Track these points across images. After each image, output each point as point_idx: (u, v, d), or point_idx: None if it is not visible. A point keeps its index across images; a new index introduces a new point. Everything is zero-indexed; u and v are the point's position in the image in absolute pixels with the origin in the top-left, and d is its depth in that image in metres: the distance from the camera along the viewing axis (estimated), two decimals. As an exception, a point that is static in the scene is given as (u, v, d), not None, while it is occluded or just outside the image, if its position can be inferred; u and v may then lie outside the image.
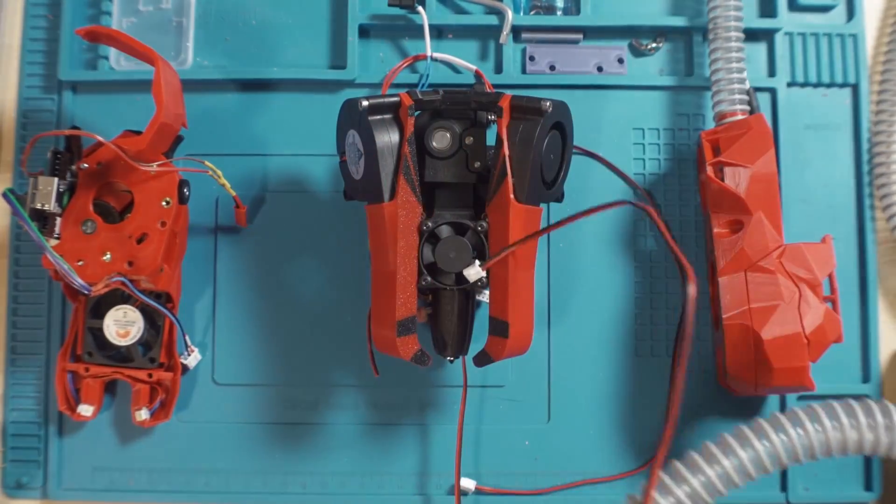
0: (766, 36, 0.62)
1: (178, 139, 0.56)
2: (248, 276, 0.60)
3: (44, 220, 0.53)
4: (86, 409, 0.56)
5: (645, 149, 0.61)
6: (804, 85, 0.61)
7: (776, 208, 0.53)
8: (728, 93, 0.56)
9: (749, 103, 0.56)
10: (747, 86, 0.56)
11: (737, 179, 0.53)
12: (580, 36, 0.61)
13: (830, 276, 0.53)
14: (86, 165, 0.54)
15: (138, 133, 0.54)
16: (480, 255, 0.49)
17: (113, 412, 0.59)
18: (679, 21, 0.61)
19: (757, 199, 0.53)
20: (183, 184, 0.55)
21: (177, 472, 0.59)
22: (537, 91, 0.59)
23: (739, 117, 0.55)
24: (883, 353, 0.60)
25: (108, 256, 0.53)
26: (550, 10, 0.62)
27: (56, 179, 0.53)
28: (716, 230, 0.53)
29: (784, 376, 0.50)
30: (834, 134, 0.61)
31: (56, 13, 0.61)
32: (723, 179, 0.53)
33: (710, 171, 0.53)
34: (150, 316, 0.56)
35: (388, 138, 0.48)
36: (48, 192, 0.52)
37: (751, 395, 0.53)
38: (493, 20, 0.61)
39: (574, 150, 0.58)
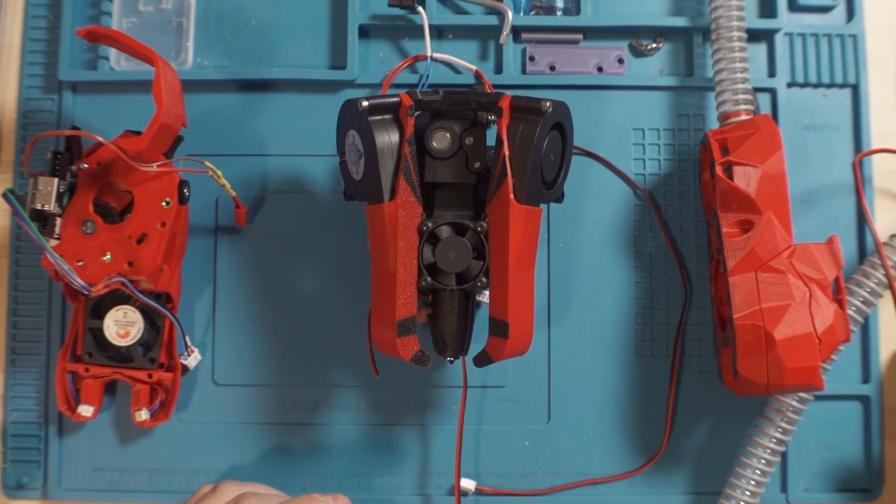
0: (766, 36, 0.62)
1: (178, 139, 0.56)
2: (248, 276, 0.60)
3: (44, 220, 0.53)
4: (86, 410, 0.56)
5: (645, 149, 0.61)
6: (804, 85, 0.61)
7: (785, 208, 0.53)
8: (732, 93, 0.56)
9: (752, 103, 0.56)
10: (750, 86, 0.56)
11: (747, 179, 0.53)
12: (580, 36, 0.61)
13: (838, 277, 0.53)
14: (86, 166, 0.54)
15: (138, 133, 0.54)
16: (480, 255, 0.49)
17: (113, 412, 0.59)
18: (679, 21, 0.61)
19: (767, 198, 0.53)
20: (183, 184, 0.55)
21: (177, 472, 0.59)
22: (537, 91, 0.59)
23: (744, 117, 0.55)
24: (883, 353, 0.60)
25: (108, 257, 0.53)
26: (550, 10, 0.61)
27: (56, 180, 0.53)
28: (725, 230, 0.53)
29: (796, 376, 0.50)
30: (834, 134, 0.61)
31: (56, 13, 0.61)
32: (732, 179, 0.53)
33: (718, 170, 0.53)
34: (150, 316, 0.56)
35: (388, 138, 0.48)
36: (48, 192, 0.52)
37: (760, 394, 0.53)
38: (493, 20, 0.61)
39: (574, 150, 0.59)
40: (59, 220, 0.53)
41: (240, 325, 0.59)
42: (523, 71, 0.61)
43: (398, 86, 0.60)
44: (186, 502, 0.49)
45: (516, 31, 0.61)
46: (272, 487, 0.50)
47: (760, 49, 0.62)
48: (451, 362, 0.51)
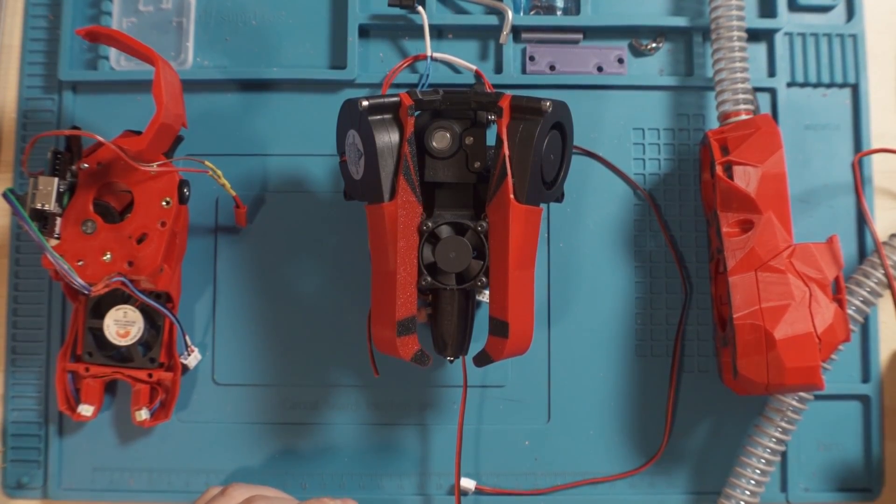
0: (766, 36, 0.62)
1: (178, 139, 0.56)
2: (248, 276, 0.60)
3: (44, 220, 0.53)
4: (86, 409, 0.56)
5: (645, 149, 0.61)
6: (804, 85, 0.61)
7: (785, 208, 0.53)
8: (732, 92, 0.56)
9: (752, 103, 0.56)
10: (750, 85, 0.56)
11: (747, 179, 0.53)
12: (580, 36, 0.61)
13: (838, 277, 0.53)
14: (86, 165, 0.54)
15: (138, 133, 0.54)
16: (480, 255, 0.49)
17: (113, 412, 0.59)
18: (679, 21, 0.61)
19: (767, 198, 0.53)
20: (183, 184, 0.55)
21: (177, 472, 0.59)
22: (537, 91, 0.59)
23: (744, 117, 0.55)
24: (883, 353, 0.60)
25: (109, 256, 0.53)
26: (550, 10, 0.62)
27: (56, 179, 0.53)
28: (725, 229, 0.53)
29: (796, 375, 0.50)
30: (834, 134, 0.61)
31: (56, 13, 0.61)
32: (732, 179, 0.53)
33: (719, 170, 0.53)
34: (150, 316, 0.56)
35: (388, 138, 0.48)
36: (48, 192, 0.52)
37: (761, 394, 0.53)
38: (493, 20, 0.61)
39: (574, 150, 0.58)
40: (59, 220, 0.53)
41: (240, 325, 0.59)
42: (523, 71, 0.61)
43: (398, 85, 0.60)
44: (194, 503, 0.49)
45: (516, 31, 0.61)
46: (280, 490, 0.50)
47: (760, 49, 0.62)
48: (451, 362, 0.51)
